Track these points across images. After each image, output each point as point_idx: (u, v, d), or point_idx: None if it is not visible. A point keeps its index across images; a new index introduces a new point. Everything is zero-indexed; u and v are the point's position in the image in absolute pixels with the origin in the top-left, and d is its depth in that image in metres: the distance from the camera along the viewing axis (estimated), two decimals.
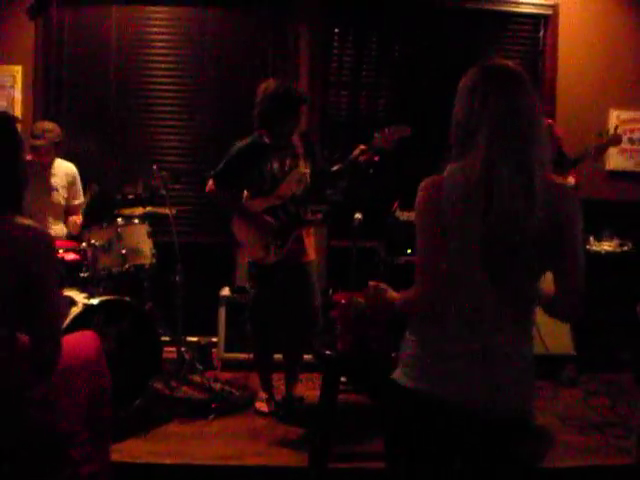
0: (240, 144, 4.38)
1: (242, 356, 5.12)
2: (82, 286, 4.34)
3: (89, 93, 5.88)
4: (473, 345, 2.03)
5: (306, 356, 4.63)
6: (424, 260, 2.09)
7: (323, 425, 3.60)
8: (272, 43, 5.92)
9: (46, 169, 4.97)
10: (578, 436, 4.23)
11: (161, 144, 5.98)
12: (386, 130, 4.14)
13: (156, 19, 5.90)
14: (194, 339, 5.31)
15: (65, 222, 5.08)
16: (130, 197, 4.95)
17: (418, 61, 6.07)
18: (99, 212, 4.89)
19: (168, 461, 3.75)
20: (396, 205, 5.30)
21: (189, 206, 5.89)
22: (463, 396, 2.03)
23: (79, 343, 2.94)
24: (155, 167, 4.85)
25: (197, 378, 4.81)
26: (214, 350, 5.37)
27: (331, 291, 5.10)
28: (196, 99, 5.97)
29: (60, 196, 5.03)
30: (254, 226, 4.34)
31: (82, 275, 4.37)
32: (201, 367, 4.88)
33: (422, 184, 2.09)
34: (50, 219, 4.95)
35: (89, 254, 4.38)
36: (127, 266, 4.49)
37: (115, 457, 3.28)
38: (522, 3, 6.03)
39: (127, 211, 4.79)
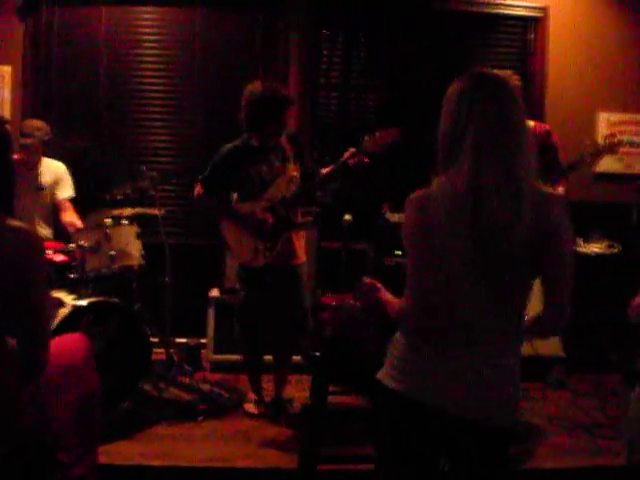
0: (227, 147, 4.37)
1: (231, 357, 5.12)
2: (71, 287, 4.32)
3: (78, 93, 5.85)
4: (461, 353, 2.04)
5: (295, 357, 4.63)
6: (412, 276, 2.10)
7: (313, 427, 3.60)
8: (262, 44, 5.91)
9: (33, 169, 4.95)
10: (567, 437, 4.25)
11: (150, 145, 5.97)
12: (376, 134, 4.14)
13: (146, 20, 5.89)
14: (183, 340, 5.29)
15: (60, 222, 5.05)
16: (119, 198, 4.93)
17: (407, 63, 6.06)
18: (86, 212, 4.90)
19: (157, 463, 3.74)
20: (386, 207, 5.31)
21: (178, 207, 5.87)
22: (449, 403, 2.03)
23: (68, 345, 2.93)
24: (144, 168, 4.84)
25: (186, 380, 4.80)
26: (203, 351, 5.36)
27: (320, 293, 5.09)
28: (186, 100, 5.96)
29: (48, 196, 5.02)
30: (244, 229, 4.33)
31: (71, 276, 4.35)
32: (190, 369, 4.88)
33: (409, 199, 2.10)
34: (38, 220, 4.93)
35: (78, 255, 4.36)
36: (116, 267, 4.47)
37: (104, 459, 3.26)
38: (512, 6, 6.04)
39: (116, 212, 4.76)
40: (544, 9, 6.03)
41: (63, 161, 5.14)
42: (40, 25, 5.73)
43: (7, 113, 5.65)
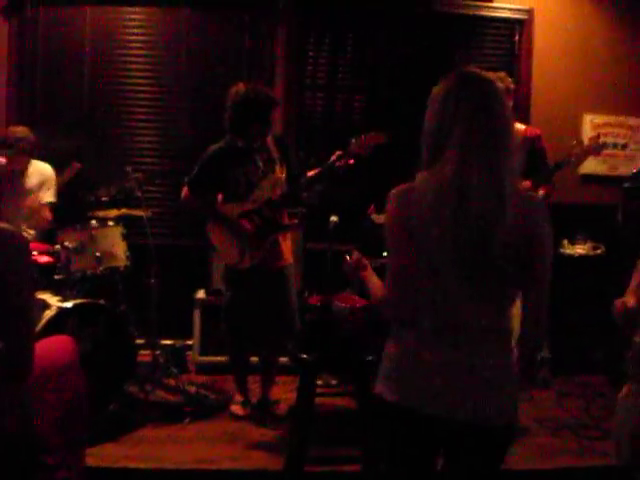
0: (213, 148, 4.36)
1: (217, 359, 5.11)
2: (56, 289, 4.30)
3: (63, 94, 5.82)
4: (454, 356, 2.04)
5: (282, 359, 4.63)
6: (392, 269, 2.11)
7: (299, 428, 3.60)
8: (248, 46, 5.90)
9: (21, 173, 4.90)
10: (553, 438, 4.27)
11: (136, 145, 5.93)
12: (362, 136, 4.14)
13: (131, 20, 5.86)
14: (169, 342, 5.28)
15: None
16: (104, 199, 4.92)
17: (393, 65, 6.07)
18: (72, 212, 4.85)
19: (143, 465, 3.73)
20: (372, 208, 5.31)
21: (164, 208, 5.84)
22: (447, 409, 2.03)
23: (54, 348, 2.91)
24: (129, 169, 4.83)
25: (172, 381, 4.78)
26: (189, 353, 5.35)
27: (307, 294, 5.09)
28: (171, 100, 5.93)
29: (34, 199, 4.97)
30: (229, 231, 4.33)
31: (56, 278, 4.34)
32: (176, 370, 4.86)
33: (391, 193, 2.10)
34: (23, 221, 4.88)
35: (63, 256, 4.34)
36: (101, 269, 4.46)
37: (90, 461, 3.24)
38: (498, 8, 6.05)
39: (101, 213, 4.75)
40: (529, 11, 6.06)
41: (48, 161, 5.10)
42: (25, 25, 5.70)
43: None
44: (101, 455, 3.74)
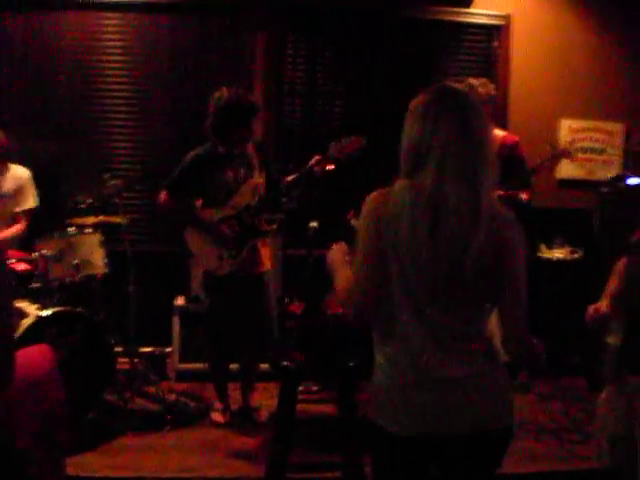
0: (193, 153, 4.35)
1: (197, 366, 5.08)
2: (34, 297, 4.26)
3: (41, 100, 5.75)
4: (441, 372, 2.03)
5: (262, 365, 4.61)
6: (359, 266, 2.10)
7: (281, 436, 3.59)
8: (227, 51, 5.89)
9: None
10: (534, 442, 4.29)
11: (114, 152, 5.89)
12: (342, 140, 4.15)
13: (109, 25, 5.80)
14: (148, 349, 5.25)
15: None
16: (82, 206, 4.89)
17: (372, 70, 6.08)
18: (50, 219, 4.82)
19: (123, 474, 3.71)
20: (351, 213, 5.31)
21: (142, 214, 5.80)
22: (443, 427, 2.03)
23: (33, 357, 2.89)
24: (107, 175, 4.80)
25: (151, 389, 4.76)
26: (168, 360, 5.32)
27: (287, 300, 5.08)
28: (150, 106, 5.89)
29: (8, 204, 4.89)
30: (208, 236, 4.32)
31: (34, 286, 4.30)
32: (155, 378, 4.84)
33: (370, 196, 2.11)
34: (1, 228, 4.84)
35: (41, 264, 4.30)
36: (79, 276, 4.43)
37: (70, 471, 3.23)
38: (475, 14, 6.07)
39: (79, 220, 4.72)
40: (507, 17, 6.08)
41: (26, 165, 5.04)
42: (2, 30, 5.65)
43: None
44: (81, 464, 3.71)
